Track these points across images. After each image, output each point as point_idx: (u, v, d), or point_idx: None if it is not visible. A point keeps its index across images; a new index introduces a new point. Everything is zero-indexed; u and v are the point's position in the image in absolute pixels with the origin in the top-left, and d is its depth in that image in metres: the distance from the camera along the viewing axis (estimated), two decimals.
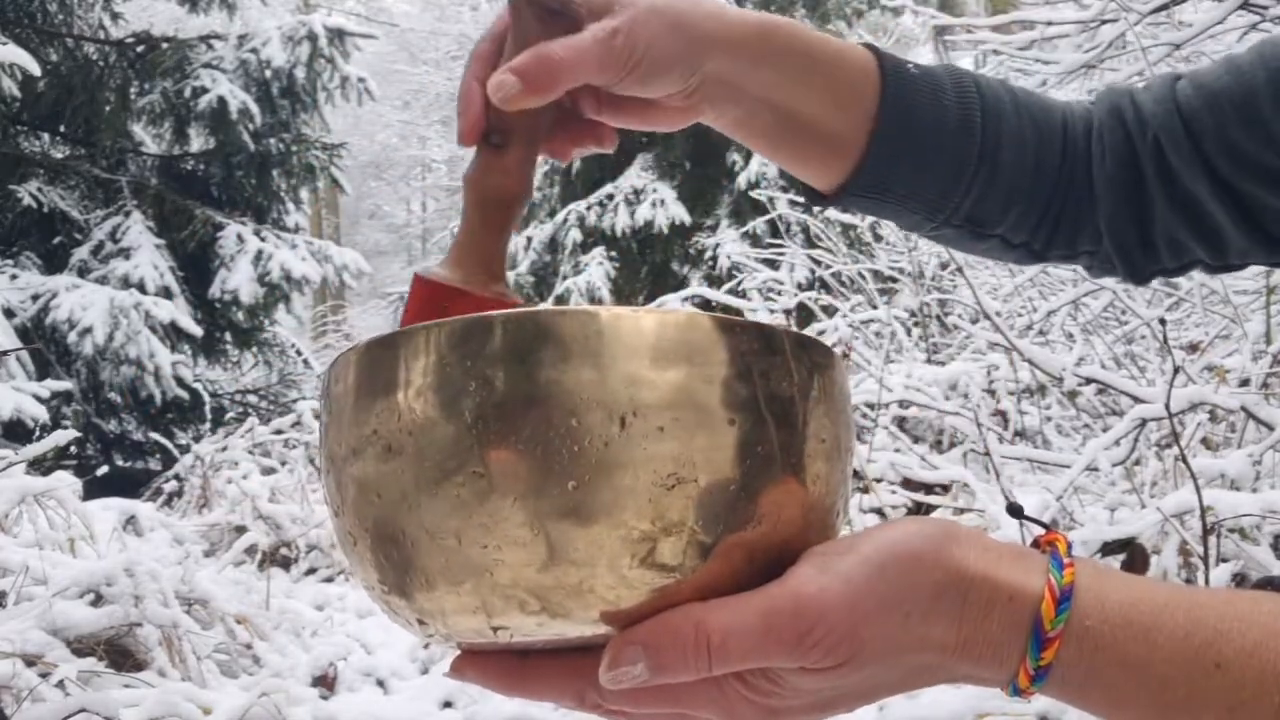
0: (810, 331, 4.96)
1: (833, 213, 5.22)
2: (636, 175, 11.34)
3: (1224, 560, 2.32)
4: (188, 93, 7.59)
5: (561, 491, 0.43)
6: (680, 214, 10.82)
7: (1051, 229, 0.73)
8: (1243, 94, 0.67)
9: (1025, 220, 0.72)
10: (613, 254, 11.04)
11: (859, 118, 0.65)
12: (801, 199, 6.06)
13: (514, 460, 0.43)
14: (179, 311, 6.86)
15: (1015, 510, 0.54)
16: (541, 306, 0.45)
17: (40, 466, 3.75)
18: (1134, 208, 0.71)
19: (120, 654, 2.51)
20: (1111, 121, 0.71)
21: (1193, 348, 3.48)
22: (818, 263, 5.63)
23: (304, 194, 8.84)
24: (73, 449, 6.57)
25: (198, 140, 8.12)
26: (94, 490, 3.73)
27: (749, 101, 0.62)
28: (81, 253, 7.14)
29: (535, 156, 0.59)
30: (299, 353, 8.75)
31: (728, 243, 10.25)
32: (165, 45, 7.75)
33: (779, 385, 0.46)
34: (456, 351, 0.44)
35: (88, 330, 6.36)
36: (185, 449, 6.28)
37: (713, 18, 0.59)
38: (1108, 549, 2.47)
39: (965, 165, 0.68)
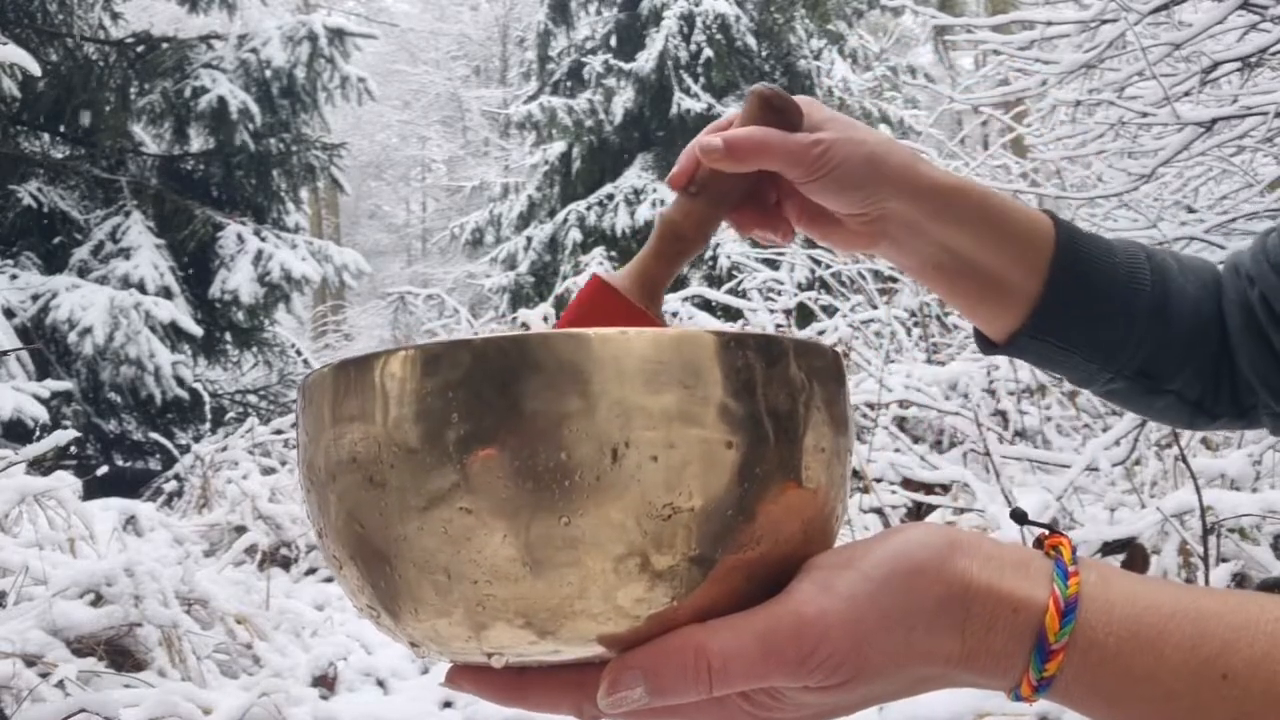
0: (810, 331, 4.95)
1: None
2: (636, 175, 11.34)
3: (1224, 560, 2.31)
4: (188, 93, 7.59)
5: (553, 526, 0.41)
6: None
7: (1218, 384, 0.76)
8: None
9: (1198, 376, 0.75)
10: (613, 254, 11.02)
11: (1035, 267, 0.71)
12: None
13: (502, 496, 0.41)
14: (179, 311, 6.86)
15: (1019, 516, 0.54)
16: (531, 331, 0.44)
17: (40, 466, 3.75)
18: (1263, 352, 0.74)
19: (120, 654, 2.51)
20: (1230, 276, 0.76)
21: None
22: (818, 263, 5.62)
23: (304, 194, 8.84)
24: (73, 449, 6.56)
25: (198, 140, 8.12)
26: (94, 490, 3.72)
27: (926, 245, 0.70)
28: (81, 253, 7.14)
29: (719, 216, 0.68)
30: (299, 353, 8.74)
31: (728, 243, 10.25)
32: (165, 45, 7.75)
33: (777, 399, 0.44)
34: (437, 378, 0.42)
35: (88, 330, 6.36)
36: (185, 449, 6.28)
37: (905, 165, 0.68)
38: (1108, 549, 2.47)
39: (1135, 316, 0.72)
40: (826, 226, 0.72)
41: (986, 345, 0.77)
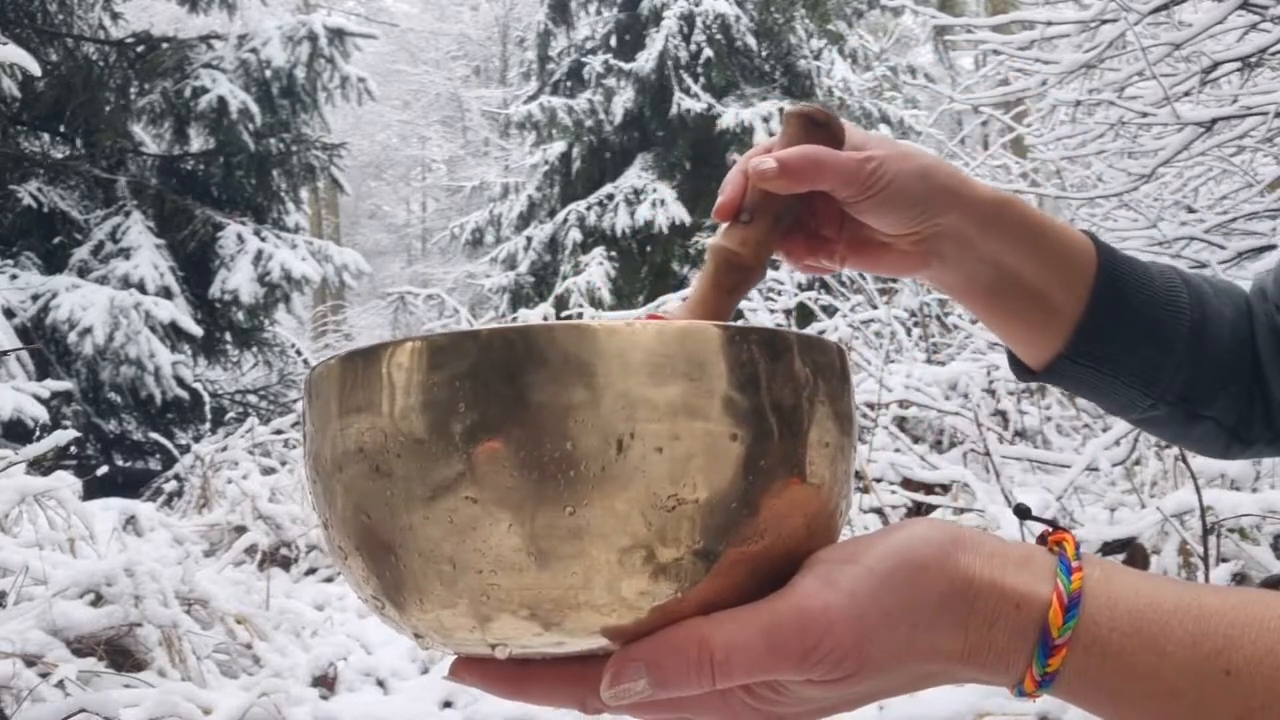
0: (810, 331, 4.94)
1: None
2: (636, 175, 11.34)
3: (1224, 560, 2.32)
4: (188, 93, 7.59)
5: (558, 516, 0.41)
6: (680, 214, 10.82)
7: (1252, 409, 0.75)
8: None
9: (1235, 401, 0.74)
10: (613, 254, 11.04)
11: (1077, 287, 0.70)
12: None
13: (507, 486, 0.41)
14: (179, 311, 6.86)
15: (1022, 512, 0.54)
16: (533, 322, 0.44)
17: (40, 466, 3.75)
18: None
19: (120, 654, 2.51)
20: (1258, 299, 0.75)
21: None
22: None
23: (304, 194, 8.84)
24: (73, 449, 6.56)
25: (198, 140, 8.12)
26: (94, 490, 3.72)
27: (976, 261, 0.68)
28: (81, 253, 7.14)
29: (773, 242, 0.64)
30: (299, 353, 8.75)
31: None
32: (165, 45, 7.76)
33: (782, 393, 0.45)
34: (443, 370, 0.42)
35: (88, 330, 6.36)
36: (185, 449, 6.28)
37: (955, 177, 0.66)
38: (1108, 549, 2.47)
39: (1175, 338, 0.71)
40: (873, 253, 0.70)
41: (1024, 373, 0.75)
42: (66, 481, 3.03)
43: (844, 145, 0.65)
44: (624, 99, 11.44)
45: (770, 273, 5.53)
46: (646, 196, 10.99)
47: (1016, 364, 0.76)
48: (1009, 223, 0.67)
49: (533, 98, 12.20)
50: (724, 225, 0.64)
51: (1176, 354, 0.71)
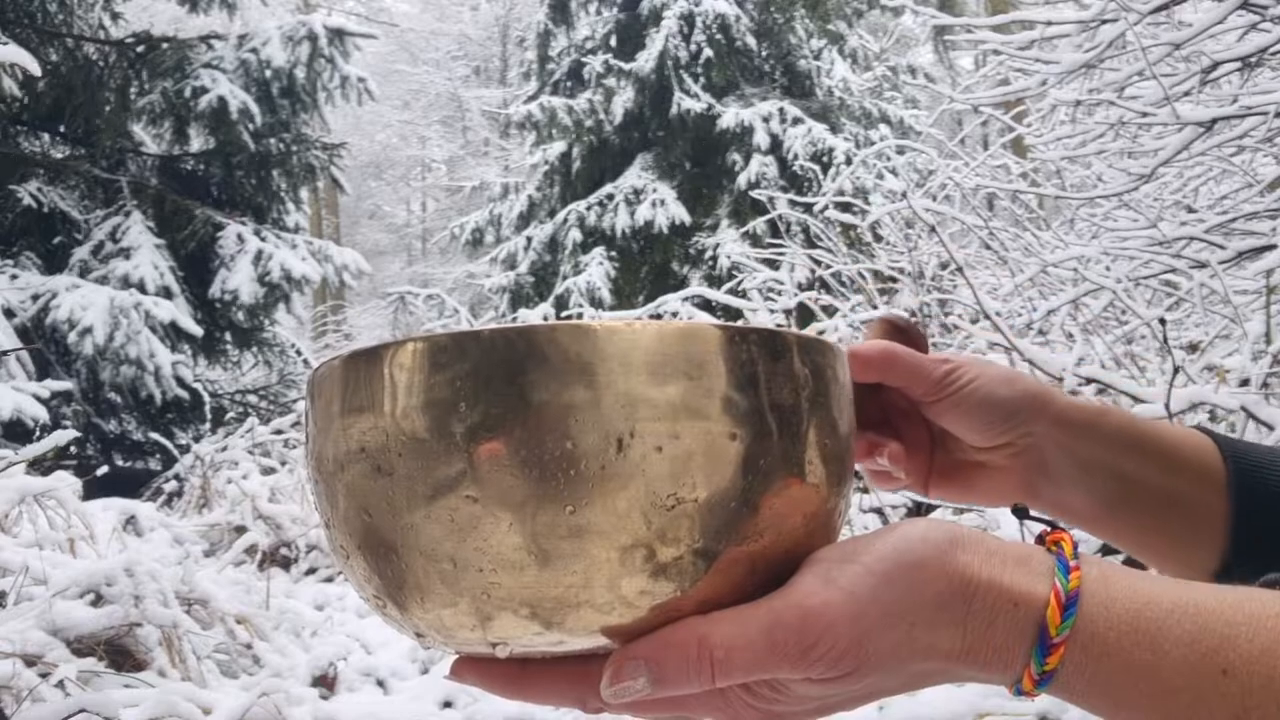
0: (810, 331, 4.95)
1: (832, 212, 5.23)
2: (636, 175, 11.34)
3: None
4: (188, 93, 7.59)
5: (558, 515, 0.42)
6: (680, 214, 10.82)
7: None
8: None
9: None
10: (613, 254, 11.05)
11: (1212, 483, 0.62)
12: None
13: (508, 485, 0.41)
14: (179, 311, 6.86)
15: (1020, 511, 0.54)
16: (534, 322, 0.44)
17: (40, 466, 3.75)
18: None
19: (120, 654, 2.51)
20: None
21: (1193, 348, 3.48)
22: (818, 263, 5.62)
23: (304, 194, 8.84)
24: (73, 449, 6.56)
25: (198, 140, 8.12)
26: (94, 490, 3.73)
27: (1089, 474, 0.62)
28: (81, 253, 7.14)
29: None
30: (299, 353, 8.75)
31: (728, 243, 10.25)
32: (165, 45, 7.75)
33: (781, 393, 0.45)
34: (444, 370, 0.42)
35: (88, 330, 6.36)
36: (185, 449, 6.28)
37: (1043, 386, 0.63)
38: (1108, 548, 2.47)
39: None
40: (967, 475, 0.65)
41: None
42: (66, 481, 3.03)
43: (927, 351, 0.63)
44: (624, 99, 11.44)
45: (770, 273, 5.53)
46: (646, 196, 11.00)
47: None
48: (1111, 427, 0.63)
49: (533, 98, 12.20)
50: None
51: None
